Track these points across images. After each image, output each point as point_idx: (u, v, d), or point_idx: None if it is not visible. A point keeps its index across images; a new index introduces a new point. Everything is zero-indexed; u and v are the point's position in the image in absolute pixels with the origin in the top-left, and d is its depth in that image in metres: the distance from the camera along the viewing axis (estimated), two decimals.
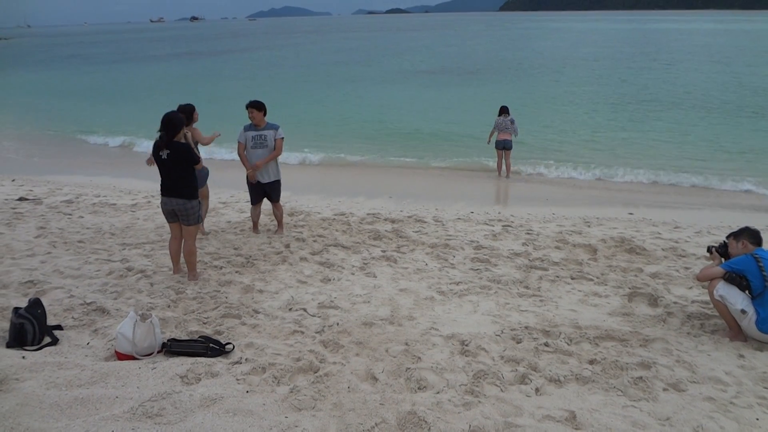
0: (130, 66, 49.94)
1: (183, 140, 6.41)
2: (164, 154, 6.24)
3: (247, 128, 8.11)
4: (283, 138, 8.17)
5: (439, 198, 11.56)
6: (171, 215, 6.50)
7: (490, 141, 13.52)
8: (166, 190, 6.39)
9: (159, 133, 6.28)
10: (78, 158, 16.74)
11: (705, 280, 5.40)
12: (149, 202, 10.82)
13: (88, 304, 5.61)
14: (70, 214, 9.63)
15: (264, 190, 8.31)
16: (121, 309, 5.53)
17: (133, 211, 10.00)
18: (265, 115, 8.05)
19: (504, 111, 13.19)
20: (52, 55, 69.94)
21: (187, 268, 6.63)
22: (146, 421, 3.48)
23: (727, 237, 5.52)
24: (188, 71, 44.66)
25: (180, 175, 6.30)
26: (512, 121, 13.16)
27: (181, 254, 6.63)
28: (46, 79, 41.02)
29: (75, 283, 6.29)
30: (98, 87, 35.32)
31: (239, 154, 8.21)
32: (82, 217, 9.50)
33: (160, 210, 9.89)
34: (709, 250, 5.75)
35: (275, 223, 8.81)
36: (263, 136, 8.03)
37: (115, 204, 10.59)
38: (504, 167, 13.51)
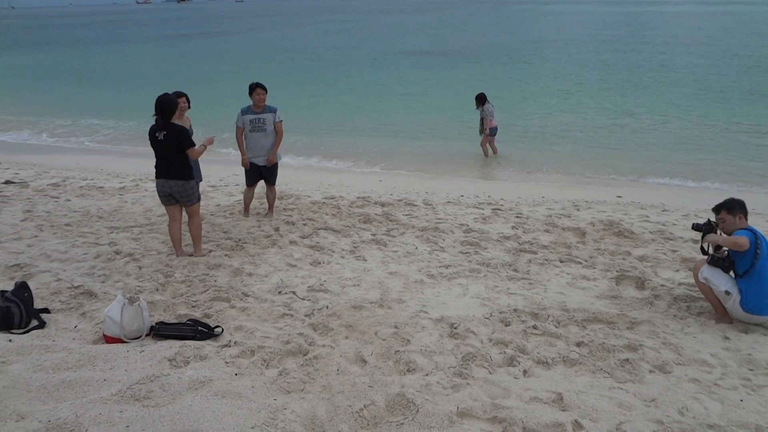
0: (118, 48, 49.26)
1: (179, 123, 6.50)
2: (161, 135, 6.29)
3: (244, 111, 8.04)
4: (281, 121, 8.12)
5: (429, 181, 11.56)
6: (168, 198, 6.53)
7: (488, 131, 13.40)
8: (163, 172, 6.40)
9: (154, 117, 6.30)
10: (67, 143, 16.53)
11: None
12: (137, 185, 10.73)
13: (76, 287, 5.58)
14: (57, 197, 9.54)
15: (260, 173, 8.26)
16: (109, 292, 5.51)
17: (121, 195, 9.93)
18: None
19: (485, 98, 13.17)
20: (37, 36, 68.81)
21: (194, 246, 6.74)
22: (134, 403, 3.48)
23: (717, 211, 5.29)
24: (176, 54, 44.09)
25: (176, 156, 6.35)
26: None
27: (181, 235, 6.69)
28: (33, 62, 40.38)
29: (62, 267, 6.25)
30: (86, 70, 34.82)
31: (237, 139, 8.14)
32: (69, 200, 9.41)
33: (148, 193, 9.90)
34: (697, 227, 5.52)
35: (265, 206, 8.77)
36: (262, 120, 7.97)
37: (102, 187, 10.51)
38: (490, 151, 13.62)
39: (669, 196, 10.40)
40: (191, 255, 6.72)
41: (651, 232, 7.91)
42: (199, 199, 6.69)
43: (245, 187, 8.49)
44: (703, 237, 5.44)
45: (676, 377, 4.23)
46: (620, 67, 28.48)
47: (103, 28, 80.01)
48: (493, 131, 13.33)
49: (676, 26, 52.97)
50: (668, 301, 5.67)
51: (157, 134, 6.30)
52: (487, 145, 13.58)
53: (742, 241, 4.96)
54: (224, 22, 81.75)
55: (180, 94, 7.54)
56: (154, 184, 10.45)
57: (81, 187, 10.48)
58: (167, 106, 6.26)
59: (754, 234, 5.04)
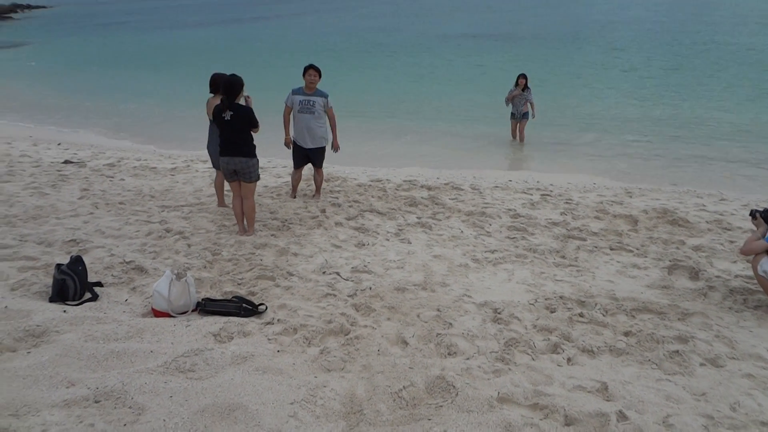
0: (169, 33, 50.29)
1: (244, 103, 6.78)
2: (227, 115, 6.52)
3: (295, 91, 8.11)
4: (332, 108, 8.21)
5: (476, 166, 11.41)
6: (232, 174, 6.78)
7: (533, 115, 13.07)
8: (228, 150, 6.66)
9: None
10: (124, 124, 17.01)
11: (749, 254, 5.20)
12: (188, 166, 10.98)
13: (128, 262, 5.74)
14: (111, 177, 9.84)
15: (308, 156, 8.32)
16: (159, 269, 5.65)
17: (173, 175, 10.16)
18: (319, 80, 8.08)
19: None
20: (98, 23, 70.91)
21: (247, 224, 6.94)
22: (178, 375, 3.56)
23: None
24: (227, 38, 44.78)
25: (242, 135, 6.61)
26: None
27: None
28: (87, 47, 41.67)
29: (115, 243, 6.44)
30: (140, 54, 35.72)
31: (284, 117, 8.22)
32: (124, 179, 9.69)
33: (198, 174, 10.11)
34: (752, 214, 5.37)
35: (312, 188, 8.83)
36: (311, 102, 8.03)
37: (155, 167, 10.78)
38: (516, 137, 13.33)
39: (728, 186, 9.98)
40: (246, 232, 6.89)
41: (707, 222, 7.61)
42: (258, 178, 6.90)
43: (293, 169, 8.56)
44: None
45: (729, 372, 4.06)
46: (679, 52, 27.40)
47: (159, 14, 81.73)
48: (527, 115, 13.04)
49: (739, 5, 50.56)
50: (723, 293, 5.44)
51: (223, 114, 6.50)
52: (518, 131, 13.23)
53: (750, 246, 5.11)
54: (273, 7, 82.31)
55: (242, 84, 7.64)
56: (204, 165, 10.76)
57: (135, 167, 10.78)
58: (233, 86, 6.49)
59: None
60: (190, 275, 4.86)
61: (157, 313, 4.64)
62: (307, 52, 31.68)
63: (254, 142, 6.76)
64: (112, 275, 5.45)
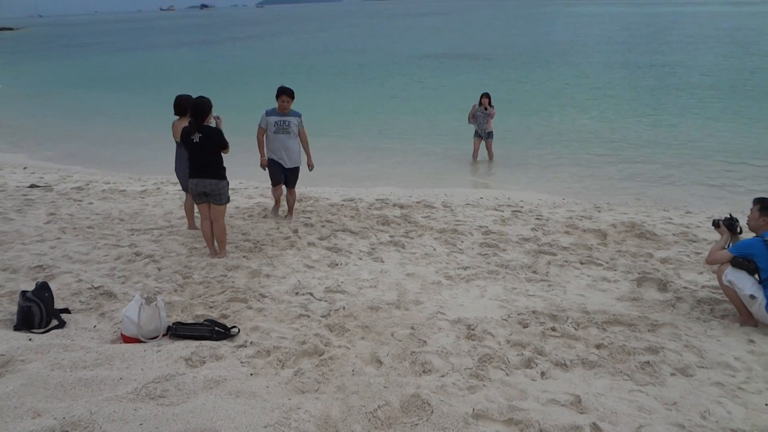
0: (145, 54, 49.98)
1: (214, 125, 6.77)
2: (196, 137, 6.46)
3: (269, 113, 8.10)
4: (304, 128, 8.26)
5: (446, 184, 11.50)
6: (201, 196, 6.69)
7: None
8: (198, 172, 6.57)
9: (180, 119, 6.91)
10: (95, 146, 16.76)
11: (714, 263, 5.32)
12: (158, 188, 10.85)
13: (96, 288, 5.64)
14: (80, 201, 9.68)
15: (285, 174, 8.30)
16: (129, 293, 5.55)
17: (143, 197, 10.04)
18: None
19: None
20: (66, 44, 70.12)
21: (218, 246, 6.87)
22: (149, 402, 3.49)
23: (755, 202, 5.17)
24: (201, 59, 44.66)
25: (211, 157, 6.54)
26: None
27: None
28: (62, 69, 41.15)
29: (83, 268, 6.32)
30: (109, 75, 35.39)
31: (258, 139, 8.20)
32: (92, 203, 9.54)
33: (168, 197, 10.00)
34: (715, 223, 5.50)
35: (284, 209, 8.80)
36: (287, 122, 8.04)
37: (124, 190, 10.64)
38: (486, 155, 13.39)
39: (693, 199, 10.22)
40: (218, 255, 6.82)
41: (674, 234, 7.77)
42: (228, 200, 6.83)
43: (272, 187, 8.46)
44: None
45: (699, 380, 4.13)
46: (642, 69, 28.15)
47: (129, 35, 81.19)
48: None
49: (699, 26, 52.19)
50: (691, 304, 5.55)
51: (192, 137, 6.42)
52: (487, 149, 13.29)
53: (714, 256, 5.23)
54: (246, 28, 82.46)
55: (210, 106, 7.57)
56: (175, 188, 10.65)
57: (103, 190, 10.63)
58: (201, 108, 6.44)
59: (764, 243, 4.93)
60: (160, 299, 4.79)
61: (127, 339, 4.56)
62: (275, 73, 31.76)
63: (224, 164, 6.70)
64: (79, 301, 5.34)
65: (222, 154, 6.62)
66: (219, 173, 6.62)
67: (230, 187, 6.87)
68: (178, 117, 7.39)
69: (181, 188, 8.09)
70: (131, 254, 6.81)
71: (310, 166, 8.40)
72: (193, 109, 6.48)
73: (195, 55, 47.82)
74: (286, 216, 8.62)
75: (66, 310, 5.10)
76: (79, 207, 9.22)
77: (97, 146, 16.38)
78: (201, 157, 6.51)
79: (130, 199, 9.88)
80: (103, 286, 5.70)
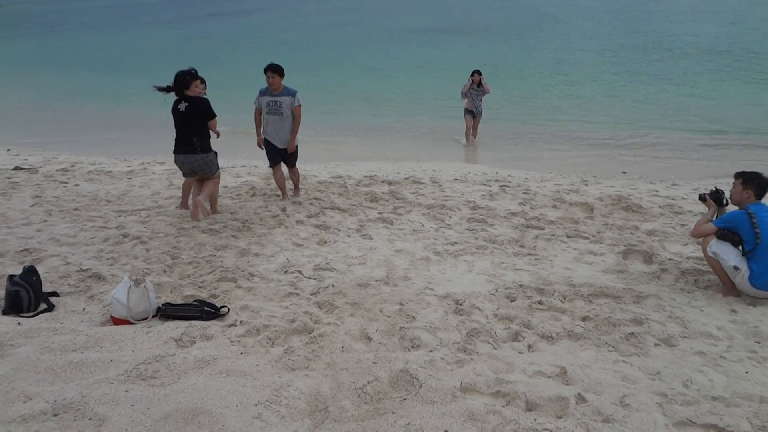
0: (124, 33, 49.08)
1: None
2: (182, 106, 6.57)
3: (262, 92, 7.98)
4: (300, 105, 7.96)
5: (435, 160, 11.50)
6: (190, 172, 6.86)
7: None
8: (183, 147, 6.60)
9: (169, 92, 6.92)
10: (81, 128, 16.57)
11: (699, 236, 5.39)
12: (145, 168, 10.77)
13: (84, 270, 5.63)
14: (65, 183, 9.59)
15: (281, 154, 8.21)
16: (117, 275, 5.55)
17: (129, 178, 9.97)
18: (282, 79, 7.89)
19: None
20: (38, 23, 68.66)
21: (212, 206, 7.38)
22: (140, 383, 3.52)
23: (737, 176, 5.26)
24: (182, 36, 43.95)
25: (196, 128, 6.61)
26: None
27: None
28: (37, 49, 40.41)
29: (71, 251, 6.30)
30: (87, 56, 34.78)
31: (255, 119, 8.12)
32: (78, 185, 9.47)
33: (155, 177, 9.94)
34: (702, 197, 5.64)
35: (272, 188, 8.77)
36: (278, 102, 7.88)
37: (110, 171, 10.55)
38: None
39: (679, 171, 10.30)
40: (208, 213, 7.10)
41: (660, 207, 7.85)
42: (218, 169, 6.95)
43: (271, 168, 8.40)
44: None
45: (682, 350, 4.21)
46: (626, 40, 28.05)
47: (106, 12, 79.45)
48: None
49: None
50: (676, 275, 5.63)
51: (179, 106, 6.50)
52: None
53: (700, 228, 5.36)
54: (230, 3, 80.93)
55: (195, 76, 7.47)
56: (162, 167, 10.58)
57: (89, 171, 10.53)
58: (178, 79, 6.63)
59: (748, 215, 4.99)
60: (149, 281, 4.80)
61: (117, 321, 4.57)
62: (262, 50, 31.39)
63: (209, 136, 6.77)
64: (68, 284, 5.33)
65: (210, 129, 6.60)
66: (205, 146, 6.65)
67: (218, 164, 6.89)
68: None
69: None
70: (119, 236, 6.79)
71: (290, 149, 8.08)
72: (174, 83, 6.62)
73: (177, 33, 47.00)
74: (294, 194, 8.55)
75: (54, 293, 5.09)
76: (65, 189, 9.15)
77: (80, 127, 16.20)
78: (187, 127, 6.55)
79: (116, 180, 9.81)
80: (91, 268, 5.69)
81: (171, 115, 6.95)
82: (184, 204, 7.84)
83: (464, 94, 12.75)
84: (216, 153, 6.78)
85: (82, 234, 6.86)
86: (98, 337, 4.17)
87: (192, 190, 7.48)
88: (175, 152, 6.64)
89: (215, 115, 6.61)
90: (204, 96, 7.14)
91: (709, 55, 22.55)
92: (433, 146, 12.99)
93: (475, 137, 13.14)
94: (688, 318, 4.70)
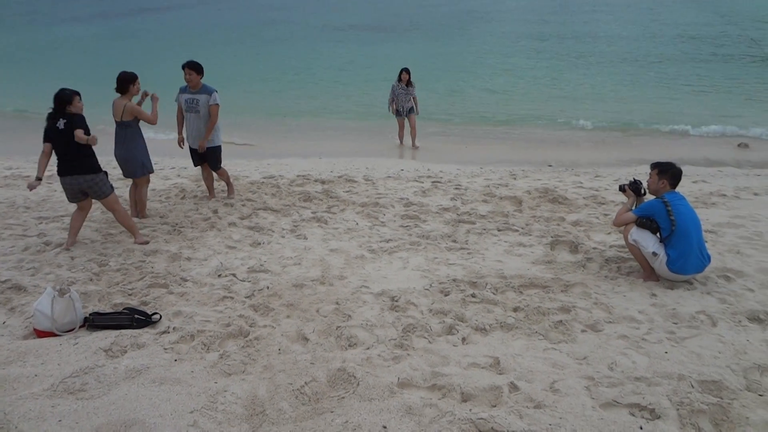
0: (30, 31, 46.59)
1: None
2: (61, 123, 6.06)
3: (182, 90, 7.78)
4: (218, 105, 7.71)
5: (369, 157, 11.56)
6: (77, 195, 6.34)
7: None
8: (68, 168, 6.16)
9: (122, 97, 6.91)
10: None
11: (620, 225, 5.65)
12: None
13: (3, 282, 5.36)
14: None
15: (201, 156, 8.00)
16: (39, 285, 5.31)
17: (50, 183, 9.50)
18: (201, 77, 7.68)
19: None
20: None
21: (139, 212, 7.42)
22: (67, 397, 3.39)
23: (652, 166, 5.50)
24: (109, 34, 42.20)
25: (78, 146, 6.08)
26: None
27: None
28: None
29: None
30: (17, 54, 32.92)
31: (177, 117, 7.91)
32: None
33: None
34: (621, 188, 5.91)
35: (202, 190, 8.59)
36: (196, 101, 7.68)
37: (29, 176, 10.03)
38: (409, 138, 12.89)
39: (601, 162, 10.75)
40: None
41: (584, 198, 8.17)
42: (112, 189, 6.46)
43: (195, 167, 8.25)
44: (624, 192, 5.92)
45: (607, 335, 4.42)
46: (551, 39, 28.99)
47: (7, 8, 75.24)
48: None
49: None
50: (600, 263, 5.89)
51: (57, 124, 6.06)
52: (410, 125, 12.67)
53: (621, 218, 5.59)
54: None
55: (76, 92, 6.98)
56: None
57: (5, 176, 10.00)
58: (59, 97, 6.11)
59: (663, 203, 5.28)
60: (74, 290, 4.62)
61: (40, 334, 4.38)
62: (188, 46, 30.56)
63: (94, 155, 6.30)
64: None
65: (91, 144, 6.17)
66: (92, 166, 6.22)
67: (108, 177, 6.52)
68: (119, 95, 7.03)
69: (121, 173, 7.59)
70: (40, 244, 6.49)
71: (200, 149, 7.83)
72: (54, 99, 6.13)
73: (102, 28, 45.04)
74: (227, 195, 8.38)
75: None
76: None
77: None
78: (68, 147, 6.09)
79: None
80: (10, 279, 5.42)
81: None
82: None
83: (391, 104, 12.53)
84: (106, 173, 6.41)
85: None
86: (21, 351, 3.99)
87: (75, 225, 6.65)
88: (59, 173, 6.25)
89: (85, 127, 6.12)
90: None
91: (624, 58, 23.61)
92: (367, 143, 13.03)
93: (414, 137, 12.76)
94: (612, 304, 4.93)
